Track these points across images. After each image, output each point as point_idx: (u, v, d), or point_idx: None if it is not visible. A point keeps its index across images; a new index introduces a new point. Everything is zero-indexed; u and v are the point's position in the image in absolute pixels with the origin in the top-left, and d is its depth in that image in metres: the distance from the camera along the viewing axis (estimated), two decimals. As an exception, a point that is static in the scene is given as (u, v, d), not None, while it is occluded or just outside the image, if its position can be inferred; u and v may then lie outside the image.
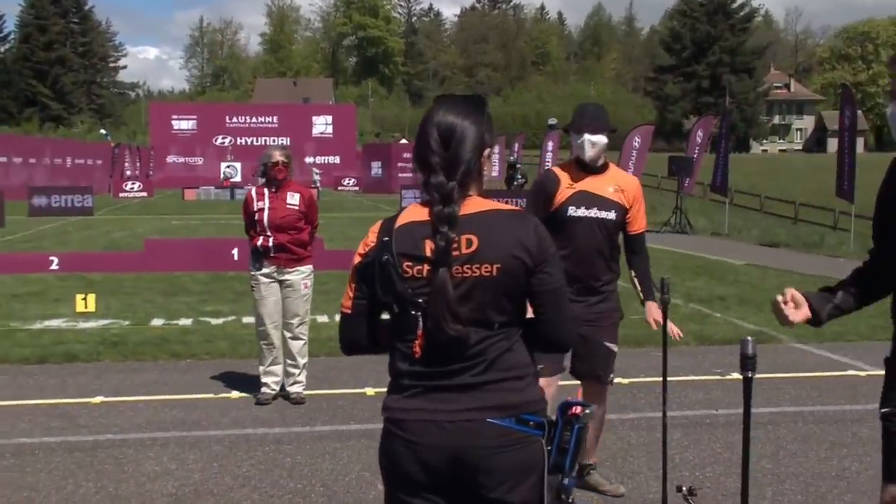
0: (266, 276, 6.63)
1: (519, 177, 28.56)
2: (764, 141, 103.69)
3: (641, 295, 4.64)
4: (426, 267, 2.28)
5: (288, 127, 58.64)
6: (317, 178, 44.70)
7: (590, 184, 4.47)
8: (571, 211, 4.42)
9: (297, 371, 6.80)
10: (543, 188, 4.50)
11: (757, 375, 3.06)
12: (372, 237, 2.42)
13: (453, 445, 2.27)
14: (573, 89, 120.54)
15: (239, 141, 58.53)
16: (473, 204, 2.36)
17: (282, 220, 6.60)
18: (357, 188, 52.43)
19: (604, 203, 4.45)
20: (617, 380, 7.42)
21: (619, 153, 27.70)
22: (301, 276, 6.70)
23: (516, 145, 41.79)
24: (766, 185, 41.05)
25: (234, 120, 59.45)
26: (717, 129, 24.29)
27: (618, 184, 4.51)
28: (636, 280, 4.61)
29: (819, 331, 9.48)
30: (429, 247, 2.29)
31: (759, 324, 10.10)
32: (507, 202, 2.84)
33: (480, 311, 2.29)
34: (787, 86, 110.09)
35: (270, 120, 59.66)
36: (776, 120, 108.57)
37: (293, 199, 6.71)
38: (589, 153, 4.45)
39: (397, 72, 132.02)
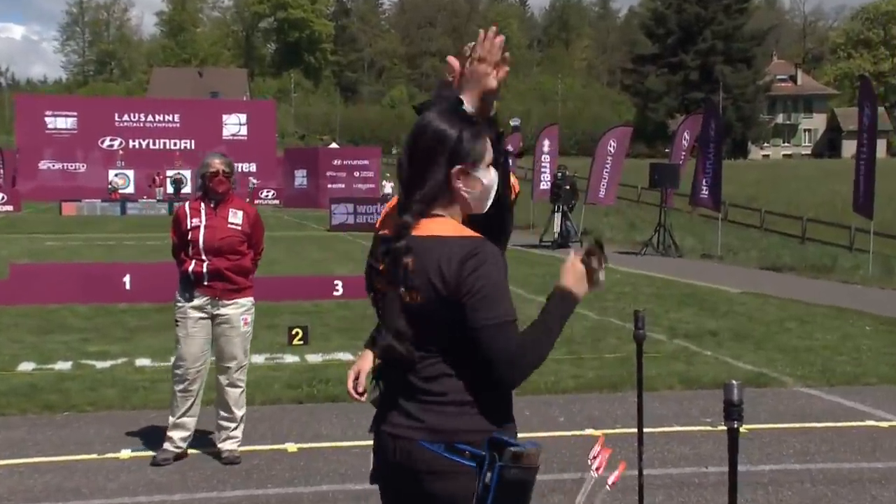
0: (197, 308, 6.57)
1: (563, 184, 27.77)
2: (765, 144, 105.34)
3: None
4: (382, 284, 2.62)
5: (192, 127, 58.27)
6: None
7: None
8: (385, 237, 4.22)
9: (232, 425, 6.76)
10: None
11: (757, 425, 3.15)
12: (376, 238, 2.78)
13: (395, 462, 2.61)
14: (537, 83, 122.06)
15: (131, 144, 57.98)
16: (433, 226, 2.57)
17: (221, 242, 6.56)
18: (277, 201, 52.26)
19: None
20: (587, 431, 7.52)
21: (592, 160, 28.10)
22: (240, 309, 6.67)
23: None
24: (768, 197, 41.80)
25: (126, 118, 58.84)
26: (709, 131, 24.64)
27: None
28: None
29: (831, 373, 9.75)
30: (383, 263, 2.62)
31: (759, 363, 10.29)
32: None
33: (419, 335, 2.57)
34: (794, 78, 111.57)
35: (171, 118, 59.17)
36: (780, 119, 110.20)
37: (235, 217, 6.68)
38: None
39: (326, 61, 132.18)
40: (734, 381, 3.12)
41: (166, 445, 6.71)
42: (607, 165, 27.41)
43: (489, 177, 2.66)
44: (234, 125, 59.87)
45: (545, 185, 30.40)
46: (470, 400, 2.55)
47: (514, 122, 42.08)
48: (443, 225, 2.58)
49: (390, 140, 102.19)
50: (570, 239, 26.25)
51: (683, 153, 27.16)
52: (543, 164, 31.71)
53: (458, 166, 2.59)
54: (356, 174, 50.03)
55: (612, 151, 27.56)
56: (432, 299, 2.52)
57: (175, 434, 6.71)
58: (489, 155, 2.66)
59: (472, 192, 2.63)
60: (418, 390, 2.58)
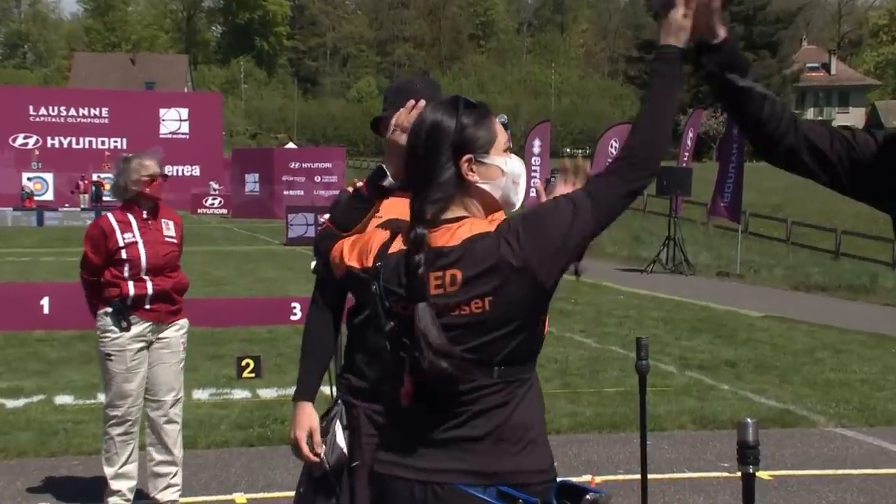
0: (136, 338, 6.53)
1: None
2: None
3: None
4: (404, 305, 2.60)
5: (124, 123, 58.01)
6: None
7: (404, 206, 4.17)
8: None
9: (172, 469, 6.69)
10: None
11: (783, 472, 3.18)
12: (371, 256, 2.74)
13: None
14: (527, 73, 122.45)
15: (49, 142, 57.71)
16: (465, 229, 2.59)
17: (163, 259, 6.52)
18: (224, 210, 52.13)
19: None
20: (585, 477, 7.53)
21: (590, 163, 28.16)
22: (180, 332, 6.66)
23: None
24: (795, 206, 41.96)
25: (43, 111, 58.55)
26: (730, 130, 24.78)
27: None
28: None
29: (870, 412, 9.80)
30: (401, 281, 2.61)
31: (785, 399, 10.35)
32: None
33: (475, 353, 2.55)
34: (827, 66, 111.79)
35: (97, 112, 58.95)
36: (810, 114, 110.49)
37: (169, 228, 6.66)
38: None
39: (281, 47, 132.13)
40: (749, 420, 3.15)
41: (113, 500, 6.62)
42: (609, 169, 27.52)
43: (510, 163, 2.72)
44: (173, 121, 59.72)
45: (535, 189, 30.60)
46: (529, 438, 2.58)
47: (500, 120, 42.28)
48: (473, 225, 2.61)
49: (357, 139, 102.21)
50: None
51: (687, 154, 27.27)
52: (534, 167, 31.90)
53: (467, 156, 2.63)
54: (317, 179, 49.92)
55: (614, 153, 27.67)
56: (507, 296, 2.52)
57: (122, 485, 6.58)
58: (503, 138, 2.72)
59: (493, 183, 2.68)
60: (461, 421, 2.56)
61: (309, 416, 3.50)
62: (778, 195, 45.14)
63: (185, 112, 60.29)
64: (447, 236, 2.58)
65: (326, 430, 3.56)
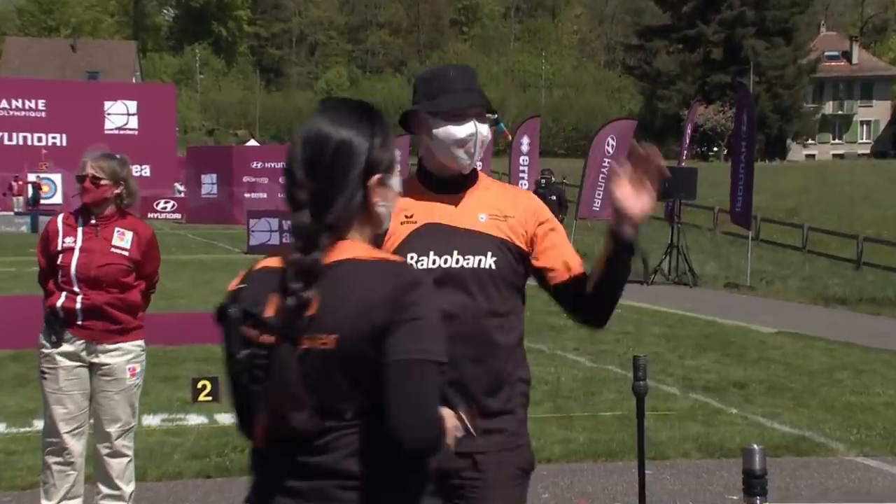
0: (68, 355, 6.49)
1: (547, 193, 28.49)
2: (809, 141, 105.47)
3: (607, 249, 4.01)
4: (267, 334, 2.60)
5: (63, 117, 57.71)
6: None
7: (445, 209, 4.10)
8: (411, 261, 3.95)
9: None
10: None
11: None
12: (237, 279, 2.78)
13: None
14: (515, 63, 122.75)
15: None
16: (339, 251, 2.62)
17: (99, 271, 6.46)
18: (178, 215, 52.05)
19: (472, 240, 4.06)
20: (582, 512, 7.52)
21: (585, 162, 28.22)
22: (125, 357, 6.58)
23: (398, 153, 42.62)
24: (812, 210, 42.06)
25: (-32, 103, 58.24)
26: (740, 126, 24.84)
27: (498, 204, 4.13)
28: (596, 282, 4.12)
29: (895, 440, 9.82)
30: (271, 306, 2.60)
31: (800, 425, 10.36)
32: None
33: (323, 396, 2.58)
34: (848, 55, 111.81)
35: (33, 105, 58.58)
36: (829, 108, 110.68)
37: (122, 239, 6.58)
38: (476, 155, 4.08)
39: (241, 34, 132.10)
40: (755, 446, 3.15)
41: None
42: (605, 169, 27.52)
43: (399, 183, 2.83)
44: (119, 115, 59.43)
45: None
46: (393, 480, 2.60)
47: (489, 116, 42.33)
48: (352, 248, 2.66)
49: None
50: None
51: (685, 151, 27.30)
52: (522, 168, 31.89)
53: (377, 176, 2.72)
54: (282, 180, 49.89)
55: (611, 151, 27.72)
56: (353, 339, 2.55)
57: None
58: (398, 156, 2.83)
59: (388, 205, 2.77)
60: (319, 472, 2.59)
61: None
62: (792, 198, 45.25)
63: (133, 105, 60.01)
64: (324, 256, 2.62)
65: None
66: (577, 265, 4.13)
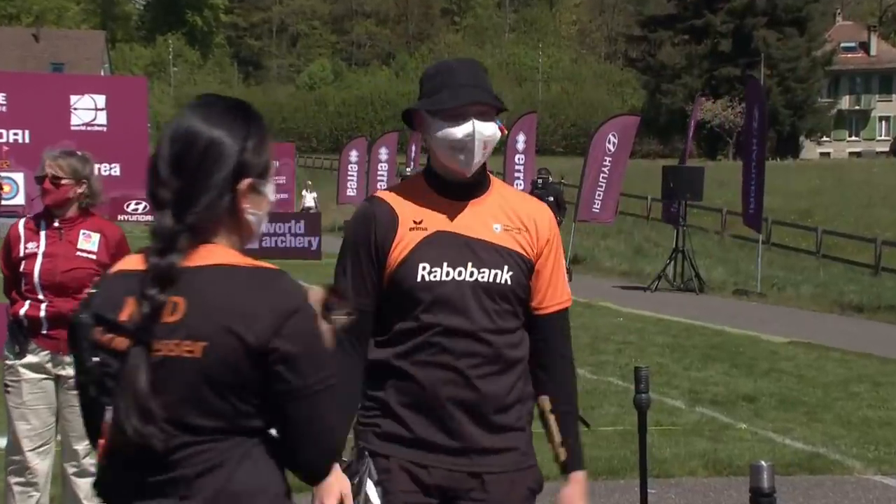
0: (33, 367, 6.46)
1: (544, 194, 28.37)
2: (824, 139, 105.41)
3: (559, 452, 4.15)
4: (120, 338, 2.56)
5: (26, 112, 57.07)
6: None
7: (458, 217, 4.05)
8: (423, 272, 3.96)
9: None
10: (365, 233, 4.05)
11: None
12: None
13: None
14: (510, 55, 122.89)
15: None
16: (205, 255, 2.59)
17: (64, 277, 6.42)
18: (150, 217, 51.92)
19: (488, 252, 4.03)
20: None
21: (584, 161, 28.21)
22: None
23: (413, 147, 42.47)
24: (827, 212, 42.09)
25: (-73, 98, 58.18)
26: (751, 122, 24.82)
27: (512, 214, 4.10)
28: (548, 413, 4.13)
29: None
30: (127, 310, 2.56)
31: (814, 441, 10.34)
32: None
33: (180, 409, 2.52)
34: (866, 46, 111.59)
35: (-6, 99, 58.74)
36: (845, 103, 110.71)
37: (89, 241, 6.54)
38: (475, 158, 3.96)
39: (218, 24, 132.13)
40: (763, 463, 3.12)
41: None
42: (605, 169, 27.56)
43: (273, 191, 2.80)
44: (87, 110, 58.96)
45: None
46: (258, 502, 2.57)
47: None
48: (223, 254, 2.63)
49: (309, 133, 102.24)
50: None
51: (689, 148, 27.23)
52: (517, 167, 31.90)
53: (248, 180, 2.68)
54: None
55: (612, 150, 27.73)
56: (223, 351, 2.50)
57: None
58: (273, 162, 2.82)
59: (258, 214, 2.73)
60: (170, 491, 2.54)
61: (337, 478, 3.49)
62: (806, 199, 45.26)
63: (101, 99, 59.53)
64: (189, 259, 2.58)
65: (357, 491, 3.59)
66: (559, 300, 4.14)
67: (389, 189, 4.16)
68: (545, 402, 4.11)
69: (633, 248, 34.12)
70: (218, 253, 2.61)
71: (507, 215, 4.05)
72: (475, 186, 4.05)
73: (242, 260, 2.61)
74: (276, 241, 32.54)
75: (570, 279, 28.61)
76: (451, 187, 4.02)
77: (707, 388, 12.82)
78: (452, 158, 3.93)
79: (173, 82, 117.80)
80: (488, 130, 3.92)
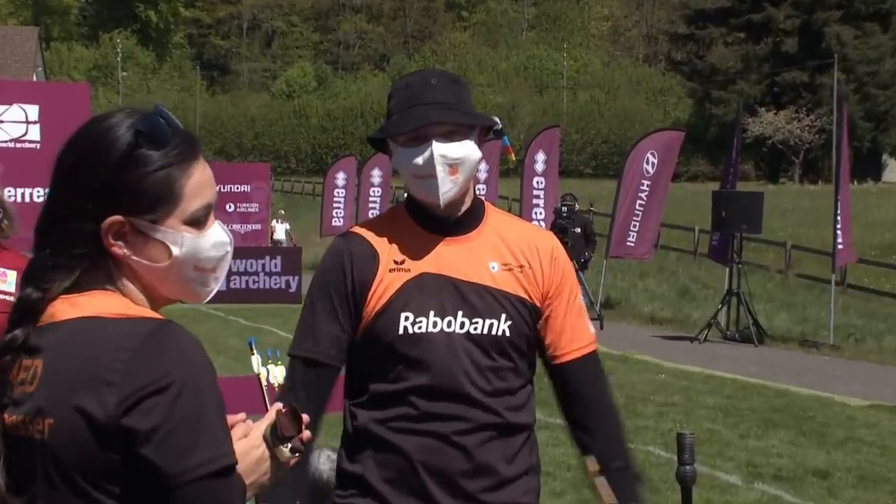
0: None
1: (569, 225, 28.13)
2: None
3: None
4: None
5: (-54, 125, 57.93)
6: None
7: (446, 256, 4.03)
8: (406, 322, 3.96)
9: None
10: (338, 275, 4.05)
11: None
12: None
13: None
14: (528, 58, 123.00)
15: None
16: (87, 302, 2.47)
17: None
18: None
19: (482, 297, 4.00)
20: None
21: (618, 184, 28.18)
22: None
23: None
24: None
25: None
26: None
27: (512, 249, 4.07)
28: (596, 475, 4.05)
29: None
30: None
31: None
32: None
33: (37, 500, 2.42)
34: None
35: None
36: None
37: (4, 281, 6.57)
38: (443, 186, 3.93)
39: (176, 20, 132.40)
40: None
41: None
42: (643, 194, 27.49)
43: (192, 243, 2.58)
44: (15, 123, 58.18)
45: (540, 223, 30.20)
46: None
47: (494, 127, 42.45)
48: (105, 301, 2.49)
49: (287, 151, 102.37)
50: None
51: (731, 170, 26.99)
52: (536, 192, 31.81)
53: (115, 217, 2.49)
54: (229, 208, 49.67)
55: (652, 171, 27.67)
56: (69, 430, 2.37)
57: None
58: (200, 200, 2.59)
59: (153, 266, 2.54)
60: None
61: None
62: (891, 232, 45.04)
63: (33, 110, 59.08)
64: (62, 309, 2.48)
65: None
66: (581, 345, 4.13)
67: (367, 223, 4.15)
68: (591, 463, 4.05)
69: (676, 290, 34.01)
70: (98, 302, 2.47)
71: (505, 251, 4.04)
72: (465, 218, 4.03)
73: (121, 310, 2.46)
74: (247, 282, 32.38)
75: (601, 327, 28.28)
76: (437, 221, 4.01)
77: (769, 460, 12.79)
78: (418, 188, 3.95)
79: (122, 89, 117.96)
80: (456, 152, 3.89)
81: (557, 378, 4.14)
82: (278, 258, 34.46)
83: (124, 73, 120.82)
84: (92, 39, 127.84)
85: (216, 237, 2.63)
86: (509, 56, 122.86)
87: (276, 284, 33.30)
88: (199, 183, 2.57)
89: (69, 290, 2.52)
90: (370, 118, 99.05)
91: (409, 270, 3.93)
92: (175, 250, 2.53)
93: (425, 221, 4.01)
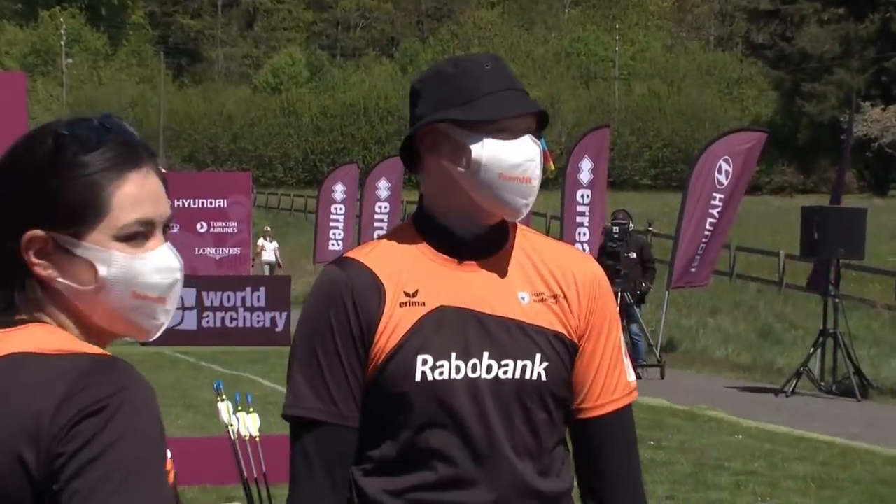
0: None
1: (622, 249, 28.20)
2: None
3: None
4: None
5: None
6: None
7: (467, 284, 3.99)
8: (424, 367, 3.98)
9: None
10: (335, 315, 3.98)
11: None
12: None
13: None
14: (572, 42, 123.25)
15: None
16: (19, 338, 2.53)
17: None
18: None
19: (511, 334, 3.95)
20: None
21: (683, 199, 28.17)
22: None
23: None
24: None
25: None
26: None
27: (544, 275, 4.04)
28: None
29: None
30: None
31: None
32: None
33: None
34: None
35: None
36: None
37: None
38: (534, 194, 3.94)
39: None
40: None
41: None
42: (714, 210, 27.48)
43: (141, 263, 2.63)
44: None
45: (585, 246, 30.17)
46: None
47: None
48: (41, 335, 2.56)
49: (272, 157, 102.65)
50: (638, 360, 25.99)
51: (838, 182, 26.98)
52: (580, 207, 31.84)
53: (35, 231, 2.56)
54: (200, 227, 49.70)
55: (725, 182, 27.63)
56: (19, 487, 2.42)
57: None
58: (135, 214, 2.62)
59: (80, 289, 2.60)
60: None
61: None
62: None
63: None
64: None
65: None
66: (616, 395, 4.06)
67: (366, 247, 4.09)
68: None
69: (757, 330, 33.96)
70: (32, 334, 2.54)
71: (535, 278, 3.99)
72: (492, 238, 3.97)
73: (65, 343, 2.51)
74: (223, 319, 32.37)
75: (661, 376, 28.47)
76: (458, 241, 3.95)
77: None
78: (499, 195, 3.84)
79: (67, 80, 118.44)
80: (531, 151, 3.87)
81: (580, 434, 4.10)
82: (262, 290, 34.26)
83: (69, 61, 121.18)
84: (29, 18, 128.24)
85: (161, 261, 2.63)
86: (548, 39, 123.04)
87: (259, 322, 33.20)
88: (136, 194, 2.60)
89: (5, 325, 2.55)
90: (375, 116, 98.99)
91: (424, 304, 3.87)
92: (102, 270, 2.56)
93: (442, 242, 3.94)
